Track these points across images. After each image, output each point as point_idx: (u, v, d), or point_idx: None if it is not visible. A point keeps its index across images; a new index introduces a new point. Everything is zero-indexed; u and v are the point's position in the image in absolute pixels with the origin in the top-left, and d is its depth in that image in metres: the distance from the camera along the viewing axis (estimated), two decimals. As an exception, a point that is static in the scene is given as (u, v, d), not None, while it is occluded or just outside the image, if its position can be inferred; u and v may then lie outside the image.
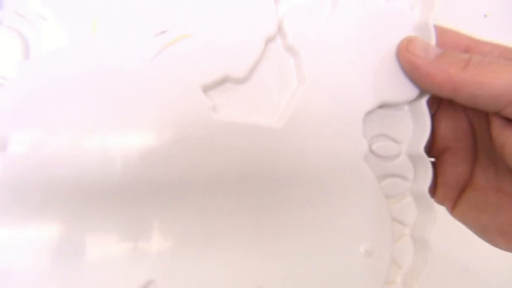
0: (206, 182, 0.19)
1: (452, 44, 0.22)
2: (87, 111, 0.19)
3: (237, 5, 0.20)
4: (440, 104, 0.23)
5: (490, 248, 0.34)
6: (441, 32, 0.22)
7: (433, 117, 0.23)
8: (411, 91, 0.21)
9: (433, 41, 0.21)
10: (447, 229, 0.35)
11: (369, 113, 0.21)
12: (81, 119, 0.19)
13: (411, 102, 0.22)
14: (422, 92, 0.21)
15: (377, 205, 0.21)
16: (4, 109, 0.19)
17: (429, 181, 0.22)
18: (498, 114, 0.19)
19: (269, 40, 0.21)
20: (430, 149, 0.24)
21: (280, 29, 0.21)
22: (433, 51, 0.20)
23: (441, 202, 0.25)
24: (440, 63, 0.20)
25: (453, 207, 0.25)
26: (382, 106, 0.21)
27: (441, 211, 0.35)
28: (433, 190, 0.24)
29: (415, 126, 0.22)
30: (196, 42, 0.20)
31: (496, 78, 0.19)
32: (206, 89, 0.20)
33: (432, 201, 0.23)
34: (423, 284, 0.32)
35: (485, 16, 0.54)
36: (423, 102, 0.21)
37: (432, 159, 0.23)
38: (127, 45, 0.19)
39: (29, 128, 0.19)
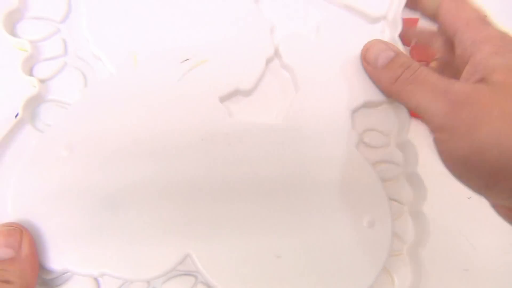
0: (225, 171, 0.24)
1: None
2: (132, 121, 0.24)
3: (242, 35, 0.26)
4: None
5: (490, 248, 0.36)
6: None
7: None
8: None
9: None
10: (447, 229, 0.37)
11: (358, 111, 0.26)
12: (128, 126, 0.24)
13: (389, 100, 0.27)
14: None
15: (373, 183, 0.25)
16: (69, 123, 0.24)
17: (417, 163, 0.27)
18: None
19: (269, 61, 0.26)
20: None
21: (276, 52, 0.27)
22: (382, 60, 0.24)
23: None
24: (380, 74, 0.25)
25: None
26: (366, 105, 0.26)
27: (442, 212, 0.37)
28: None
29: (398, 119, 0.27)
30: (212, 65, 0.26)
31: (410, 98, 0.23)
32: (222, 100, 0.25)
33: (422, 180, 0.28)
34: (423, 284, 0.34)
35: (485, 16, 0.55)
36: None
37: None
38: (160, 71, 0.25)
39: (89, 136, 0.24)
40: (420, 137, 0.44)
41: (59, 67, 0.26)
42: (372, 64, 0.25)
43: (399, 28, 0.27)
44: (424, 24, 0.29)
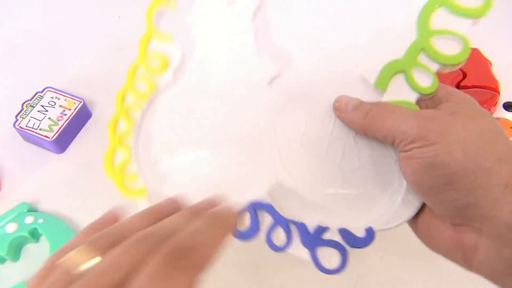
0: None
1: None
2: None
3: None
4: None
5: None
6: None
7: None
8: None
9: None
10: None
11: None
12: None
13: None
14: None
15: None
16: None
17: None
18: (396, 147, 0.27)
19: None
20: None
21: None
22: (351, 105, 0.29)
23: None
24: (352, 115, 0.29)
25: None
26: None
27: None
28: None
29: None
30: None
31: (382, 125, 0.27)
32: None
33: None
34: (423, 284, 0.34)
35: (485, 16, 0.56)
36: None
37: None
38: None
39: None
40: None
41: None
42: (344, 110, 0.29)
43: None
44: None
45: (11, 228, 0.35)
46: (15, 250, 0.35)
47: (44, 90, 0.44)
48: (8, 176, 0.40)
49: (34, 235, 0.36)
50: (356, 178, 0.30)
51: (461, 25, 0.30)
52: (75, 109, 0.42)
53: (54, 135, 0.40)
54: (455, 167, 0.24)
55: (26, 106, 0.42)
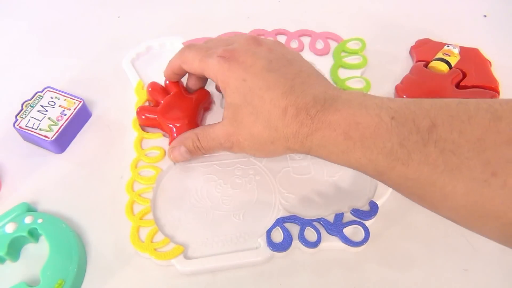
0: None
1: None
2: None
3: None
4: None
5: (490, 248, 0.36)
6: None
7: None
8: None
9: None
10: (447, 229, 0.38)
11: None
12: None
13: None
14: None
15: None
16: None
17: None
18: None
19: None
20: None
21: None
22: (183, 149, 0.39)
23: None
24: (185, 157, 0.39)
25: None
26: None
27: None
28: None
29: None
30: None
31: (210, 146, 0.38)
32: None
33: None
34: (422, 283, 0.34)
35: (485, 16, 0.55)
36: None
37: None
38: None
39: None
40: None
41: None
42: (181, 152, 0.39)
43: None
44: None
45: (10, 228, 0.34)
46: (15, 250, 0.35)
47: (43, 90, 0.44)
48: (8, 176, 0.40)
49: (34, 235, 0.35)
50: (340, 181, 0.40)
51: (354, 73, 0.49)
52: (75, 109, 0.42)
53: (54, 135, 0.40)
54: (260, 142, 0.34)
55: (25, 106, 0.42)
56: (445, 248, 0.37)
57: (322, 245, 0.36)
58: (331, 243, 0.36)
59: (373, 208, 0.37)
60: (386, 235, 0.37)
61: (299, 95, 0.32)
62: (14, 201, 0.37)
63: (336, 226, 0.36)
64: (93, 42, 0.52)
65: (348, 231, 0.36)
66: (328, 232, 0.36)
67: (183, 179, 0.40)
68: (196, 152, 0.39)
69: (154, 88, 0.42)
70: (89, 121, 0.45)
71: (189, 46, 0.38)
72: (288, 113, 0.31)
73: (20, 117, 0.42)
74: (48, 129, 0.41)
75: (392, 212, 0.38)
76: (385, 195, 0.38)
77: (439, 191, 0.27)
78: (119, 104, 0.45)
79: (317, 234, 0.36)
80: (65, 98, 0.43)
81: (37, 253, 0.35)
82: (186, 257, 0.35)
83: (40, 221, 0.35)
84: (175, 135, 0.40)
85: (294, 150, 0.33)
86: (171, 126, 0.40)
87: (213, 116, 0.43)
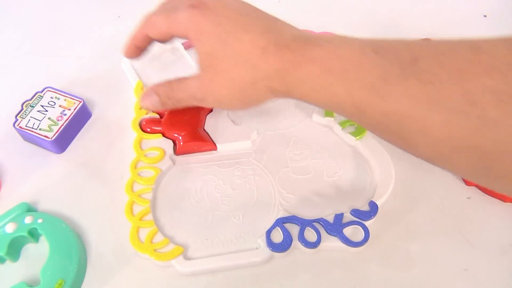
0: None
1: None
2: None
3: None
4: None
5: (490, 248, 0.36)
6: None
7: None
8: None
9: None
10: (447, 229, 0.38)
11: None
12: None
13: None
14: None
15: None
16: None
17: None
18: None
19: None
20: None
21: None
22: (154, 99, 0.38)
23: None
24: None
25: None
26: None
27: (442, 212, 0.38)
28: None
29: None
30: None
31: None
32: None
33: None
34: (422, 283, 0.34)
35: (485, 16, 0.55)
36: None
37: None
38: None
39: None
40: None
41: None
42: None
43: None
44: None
45: (10, 228, 0.35)
46: (15, 250, 0.35)
47: (43, 90, 0.44)
48: (8, 176, 0.40)
49: (34, 235, 0.36)
50: (340, 181, 0.40)
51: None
52: (75, 109, 0.42)
53: (54, 135, 0.40)
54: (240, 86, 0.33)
55: (25, 106, 0.42)
56: (445, 248, 0.37)
57: (322, 245, 0.35)
58: (331, 243, 0.36)
59: (373, 208, 0.37)
60: (386, 235, 0.37)
61: (278, 34, 0.31)
62: (14, 201, 0.37)
63: (336, 227, 0.36)
64: (93, 42, 0.52)
65: (348, 231, 0.36)
66: (328, 233, 0.36)
67: (183, 180, 0.40)
68: (166, 103, 0.37)
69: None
70: (89, 121, 0.45)
71: (150, 12, 0.37)
72: (268, 51, 0.31)
73: (20, 117, 0.42)
74: (48, 129, 0.41)
75: (392, 212, 0.38)
76: (385, 195, 0.38)
77: (417, 125, 0.27)
78: (119, 104, 0.45)
79: (317, 235, 0.36)
80: (65, 98, 0.43)
81: (37, 253, 0.35)
82: (186, 257, 0.35)
83: (40, 221, 0.35)
84: (181, 143, 0.41)
85: (276, 91, 0.32)
86: (176, 135, 0.41)
87: (214, 116, 0.43)
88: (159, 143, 0.41)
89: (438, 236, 0.37)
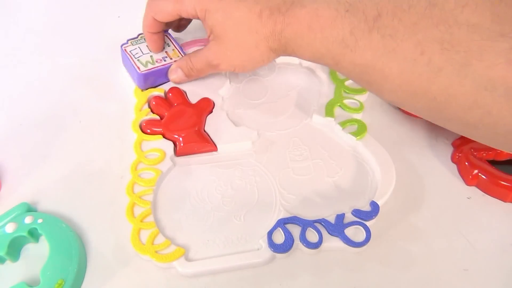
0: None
1: None
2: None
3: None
4: None
5: (490, 248, 0.37)
6: None
7: None
8: None
9: None
10: (447, 229, 0.38)
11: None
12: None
13: None
14: None
15: None
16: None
17: None
18: None
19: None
20: None
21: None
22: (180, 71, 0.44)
23: None
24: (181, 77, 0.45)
25: None
26: None
27: (442, 212, 0.38)
28: None
29: None
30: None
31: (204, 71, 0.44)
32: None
33: None
34: (422, 283, 0.34)
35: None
36: None
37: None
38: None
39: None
40: (414, 136, 0.44)
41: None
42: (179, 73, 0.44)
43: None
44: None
45: (10, 228, 0.34)
46: (15, 250, 0.35)
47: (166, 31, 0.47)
48: (8, 176, 0.40)
49: (34, 235, 0.35)
50: (341, 181, 0.40)
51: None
52: (175, 61, 0.45)
53: (145, 70, 0.43)
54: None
55: (141, 38, 0.46)
56: (445, 248, 0.37)
57: (324, 245, 0.35)
58: (332, 243, 0.36)
59: (374, 209, 0.37)
60: (387, 235, 0.37)
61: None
62: (14, 201, 0.37)
63: (337, 227, 0.36)
64: (93, 42, 0.52)
65: (349, 231, 0.36)
66: (329, 233, 0.36)
67: (183, 181, 0.40)
68: (190, 74, 0.44)
69: (158, 102, 0.43)
70: (89, 122, 0.44)
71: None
72: (263, 15, 0.36)
73: (131, 42, 0.45)
74: (144, 64, 0.44)
75: (393, 212, 0.38)
76: (386, 195, 0.38)
77: (380, 74, 0.31)
78: (119, 105, 0.45)
79: (318, 235, 0.36)
80: (174, 48, 0.46)
81: (37, 253, 0.35)
82: (187, 259, 0.35)
83: (40, 221, 0.35)
84: (181, 144, 0.41)
85: (275, 49, 0.38)
86: (177, 136, 0.41)
87: (214, 117, 0.43)
88: (160, 145, 0.41)
89: (438, 236, 0.37)
